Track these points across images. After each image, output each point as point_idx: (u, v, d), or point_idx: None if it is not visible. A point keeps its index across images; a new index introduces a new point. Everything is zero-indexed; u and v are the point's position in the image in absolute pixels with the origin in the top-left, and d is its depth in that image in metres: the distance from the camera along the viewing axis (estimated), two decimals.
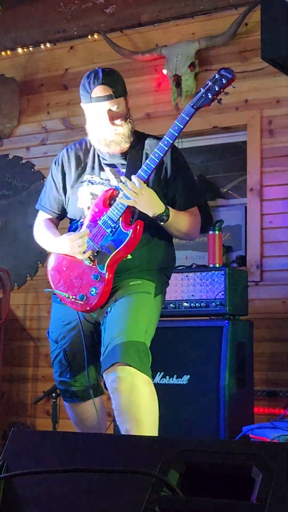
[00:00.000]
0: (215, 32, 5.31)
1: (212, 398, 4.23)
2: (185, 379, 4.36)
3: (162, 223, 3.09)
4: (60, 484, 1.65)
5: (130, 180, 3.05)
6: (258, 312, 4.92)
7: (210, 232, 4.72)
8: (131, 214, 3.11)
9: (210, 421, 4.22)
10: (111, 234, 3.09)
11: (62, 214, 3.39)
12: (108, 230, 3.09)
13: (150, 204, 3.04)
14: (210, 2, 5.34)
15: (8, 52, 6.15)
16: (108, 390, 3.01)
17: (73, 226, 3.31)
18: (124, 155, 3.21)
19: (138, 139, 3.23)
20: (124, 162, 3.20)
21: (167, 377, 4.34)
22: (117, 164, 3.23)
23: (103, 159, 3.24)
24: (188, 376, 4.36)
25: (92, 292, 3.10)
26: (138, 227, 3.05)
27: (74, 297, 3.14)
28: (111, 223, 3.09)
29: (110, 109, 3.12)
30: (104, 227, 3.11)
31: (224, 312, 4.41)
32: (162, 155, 3.02)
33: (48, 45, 6.03)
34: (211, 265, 4.70)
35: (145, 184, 3.04)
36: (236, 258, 5.25)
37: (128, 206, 3.06)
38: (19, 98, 6.12)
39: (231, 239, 5.33)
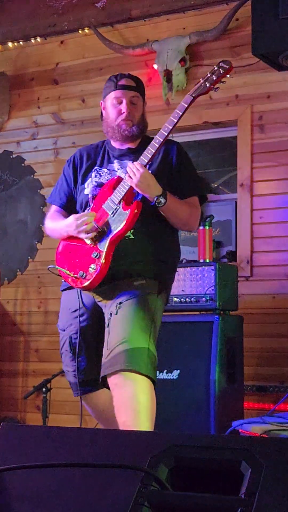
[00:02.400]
0: (206, 27, 5.30)
1: (202, 393, 4.24)
2: (175, 374, 4.37)
3: (160, 206, 3.16)
4: (49, 479, 1.65)
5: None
6: (248, 307, 4.93)
7: (201, 227, 4.73)
8: (132, 197, 3.21)
9: (200, 416, 4.22)
10: (112, 216, 3.18)
11: (72, 207, 3.45)
12: (110, 212, 3.19)
13: (148, 185, 3.14)
14: None
15: None
16: (110, 388, 3.04)
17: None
18: (132, 151, 3.34)
19: (147, 140, 3.33)
20: (132, 155, 3.32)
21: (157, 372, 4.34)
22: (125, 158, 3.34)
23: (112, 153, 3.38)
24: (178, 371, 4.36)
25: (91, 269, 3.18)
26: (136, 207, 3.14)
27: (75, 275, 3.22)
28: (112, 205, 3.19)
29: (130, 100, 3.32)
30: (106, 209, 3.21)
31: (214, 307, 4.42)
32: (161, 140, 3.15)
33: (38, 39, 6.01)
34: (201, 260, 4.71)
35: (146, 168, 3.15)
36: (226, 253, 5.26)
37: (129, 190, 3.17)
38: (10, 92, 6.11)
39: (221, 234, 5.33)
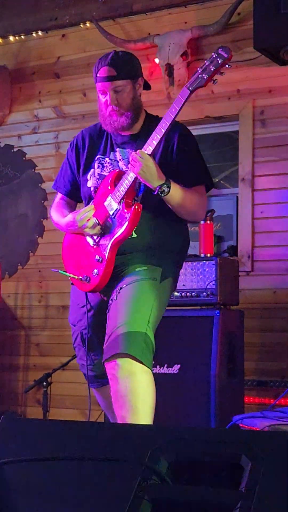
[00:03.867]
0: (207, 21, 5.29)
1: (203, 388, 4.24)
2: (175, 369, 4.37)
3: (163, 195, 3.06)
4: (50, 472, 1.65)
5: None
6: (249, 302, 4.93)
7: (202, 222, 4.72)
8: (133, 195, 3.15)
9: (201, 410, 4.23)
10: (112, 216, 3.14)
11: (76, 193, 3.41)
12: (111, 212, 3.14)
13: (151, 173, 3.04)
14: None
15: (0, 40, 6.13)
16: (108, 377, 3.03)
17: None
18: (134, 137, 3.25)
19: (150, 122, 3.24)
20: (133, 143, 3.23)
21: (158, 366, 4.35)
22: (128, 146, 3.26)
23: (115, 140, 3.29)
24: (179, 365, 4.37)
25: (94, 273, 3.15)
26: (137, 208, 3.07)
27: (80, 277, 3.20)
28: (113, 205, 3.14)
29: (113, 90, 3.16)
30: (107, 208, 3.16)
31: (215, 301, 4.42)
32: (160, 136, 3.04)
33: (40, 33, 6.01)
34: (202, 255, 4.71)
35: (147, 155, 3.05)
36: (227, 248, 5.26)
37: (130, 186, 3.10)
38: (11, 86, 6.10)
39: (222, 229, 5.33)
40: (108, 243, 3.13)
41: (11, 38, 6.09)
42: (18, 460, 1.67)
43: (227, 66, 3.00)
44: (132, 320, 2.98)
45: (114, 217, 3.13)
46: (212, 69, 3.00)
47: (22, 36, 6.07)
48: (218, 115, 5.35)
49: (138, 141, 3.21)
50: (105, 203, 3.17)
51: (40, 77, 6.05)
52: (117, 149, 3.27)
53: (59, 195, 3.49)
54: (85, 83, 5.83)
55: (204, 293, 4.45)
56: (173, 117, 3.03)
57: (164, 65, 5.33)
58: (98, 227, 3.16)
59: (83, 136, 3.37)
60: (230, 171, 5.58)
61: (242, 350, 4.53)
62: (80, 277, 3.19)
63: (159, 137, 3.04)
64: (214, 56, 3.02)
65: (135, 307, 3.02)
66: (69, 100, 5.92)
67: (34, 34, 6.02)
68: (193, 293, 4.49)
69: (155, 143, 3.05)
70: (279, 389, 4.78)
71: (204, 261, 4.51)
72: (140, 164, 3.03)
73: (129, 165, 3.11)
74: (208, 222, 4.77)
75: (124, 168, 3.21)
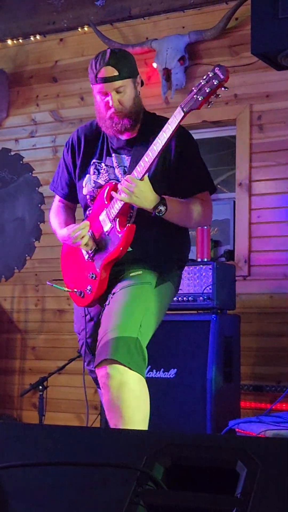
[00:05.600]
0: (205, 26, 5.30)
1: (199, 392, 4.24)
2: (172, 373, 4.37)
3: (161, 215, 2.99)
4: (45, 477, 1.64)
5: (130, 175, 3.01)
6: (246, 306, 4.93)
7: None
8: (128, 212, 3.07)
9: (197, 415, 4.22)
10: (107, 234, 3.07)
11: (74, 195, 3.34)
12: (105, 229, 3.08)
13: (145, 198, 2.96)
14: None
15: None
16: (99, 383, 2.99)
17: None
18: (130, 142, 3.14)
19: (148, 122, 3.15)
20: (130, 148, 3.13)
21: (154, 370, 4.35)
22: (123, 151, 3.17)
23: (111, 144, 3.19)
24: (175, 370, 4.36)
25: (87, 290, 3.11)
26: (130, 227, 3.00)
27: (75, 290, 3.17)
28: (107, 222, 3.07)
29: (115, 91, 3.03)
30: (102, 224, 3.10)
31: (211, 306, 4.42)
32: (153, 157, 2.94)
33: (38, 37, 6.01)
34: (199, 259, 4.71)
35: (138, 180, 2.95)
36: (224, 252, 5.26)
37: (123, 206, 3.02)
38: (8, 90, 6.10)
39: (219, 233, 5.34)
40: (100, 262, 3.07)
41: (9, 41, 6.10)
42: (13, 465, 1.66)
43: (223, 88, 2.82)
44: (122, 325, 2.89)
45: (108, 235, 3.07)
46: (207, 91, 2.83)
47: (20, 40, 6.08)
48: (215, 119, 5.36)
49: (134, 146, 3.12)
50: (100, 218, 3.11)
51: (38, 81, 6.05)
52: (113, 154, 3.17)
53: (57, 198, 3.43)
54: (82, 87, 5.83)
55: (201, 298, 4.45)
56: (167, 137, 2.90)
57: (162, 70, 5.33)
58: (92, 243, 3.10)
59: (79, 137, 3.26)
60: (227, 175, 5.59)
61: (238, 354, 4.53)
62: (75, 290, 3.16)
63: (152, 157, 2.93)
64: (210, 75, 2.83)
65: (127, 311, 2.95)
66: (67, 104, 5.93)
67: (32, 38, 6.03)
68: (189, 298, 4.49)
69: (147, 161, 2.94)
70: (276, 394, 4.78)
71: (201, 266, 4.51)
72: (131, 191, 2.94)
73: (121, 194, 2.99)
74: (205, 226, 4.78)
75: (120, 177, 3.13)
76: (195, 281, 4.49)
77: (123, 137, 3.15)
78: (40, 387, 5.14)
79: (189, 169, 3.12)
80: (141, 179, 2.96)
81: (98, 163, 3.20)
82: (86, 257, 3.14)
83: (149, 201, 2.97)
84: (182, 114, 2.89)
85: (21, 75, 6.11)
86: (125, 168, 3.13)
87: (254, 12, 4.42)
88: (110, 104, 3.04)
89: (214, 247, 5.24)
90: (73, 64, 5.92)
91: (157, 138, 2.94)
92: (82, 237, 3.08)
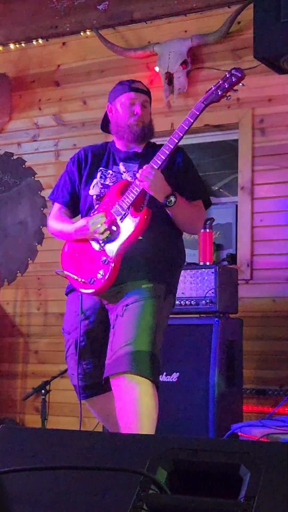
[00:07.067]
0: (207, 30, 5.30)
1: (201, 396, 4.23)
2: (174, 377, 4.36)
3: (170, 206, 3.20)
4: (48, 482, 1.64)
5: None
6: (248, 310, 4.93)
7: (201, 230, 4.72)
8: (141, 203, 3.24)
9: (199, 419, 4.22)
10: (120, 221, 3.21)
11: (75, 205, 3.46)
12: (119, 217, 3.22)
13: (159, 186, 3.19)
14: (203, 0, 5.34)
15: (0, 48, 6.14)
16: (112, 390, 3.05)
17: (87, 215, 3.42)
18: (138, 155, 3.39)
19: (151, 146, 3.44)
20: (137, 159, 3.36)
21: None
22: (131, 161, 3.38)
23: (118, 155, 3.41)
24: (178, 373, 4.36)
25: (99, 275, 3.20)
26: (146, 214, 3.19)
27: (83, 279, 3.24)
28: (121, 211, 3.22)
29: (142, 104, 3.39)
30: (115, 214, 3.23)
31: (214, 310, 4.42)
32: (172, 147, 3.22)
33: (40, 41, 6.02)
34: (201, 263, 4.71)
35: (156, 169, 3.20)
36: (226, 256, 5.26)
37: (138, 195, 3.21)
38: (11, 93, 6.11)
39: (221, 237, 5.33)
40: (115, 245, 3.19)
41: (12, 46, 6.11)
42: (16, 469, 1.66)
43: (240, 84, 3.22)
44: (139, 339, 3.04)
45: (121, 222, 3.21)
46: (226, 86, 3.22)
47: (23, 44, 6.08)
48: (218, 123, 5.36)
49: (141, 158, 3.35)
50: (112, 210, 3.24)
51: (40, 85, 6.06)
52: (120, 163, 3.37)
53: (56, 206, 3.52)
54: (85, 91, 5.84)
55: (203, 301, 4.45)
56: (186, 128, 3.21)
57: (164, 74, 5.34)
58: (107, 232, 3.22)
59: (86, 152, 3.48)
60: (230, 179, 5.59)
61: (241, 358, 4.53)
62: (83, 279, 3.23)
63: (172, 147, 3.20)
64: (227, 75, 3.23)
65: (142, 326, 3.08)
66: (69, 108, 5.93)
67: (34, 42, 6.03)
68: (192, 301, 4.48)
69: (163, 157, 3.21)
70: (278, 398, 4.77)
71: (204, 269, 4.51)
72: (150, 178, 3.16)
73: (136, 180, 3.22)
74: (208, 230, 4.78)
75: (129, 179, 3.30)
76: (197, 284, 4.49)
77: (132, 150, 3.40)
78: (43, 391, 5.15)
79: (191, 181, 3.42)
80: (158, 168, 3.22)
81: (105, 170, 3.38)
82: (97, 247, 3.25)
83: (163, 189, 3.20)
84: (203, 106, 3.23)
85: (23, 79, 6.12)
86: (135, 172, 3.30)
87: (256, 16, 4.42)
88: (137, 110, 3.36)
89: (217, 251, 5.24)
90: (76, 68, 5.92)
91: (176, 130, 3.23)
92: (100, 224, 3.21)
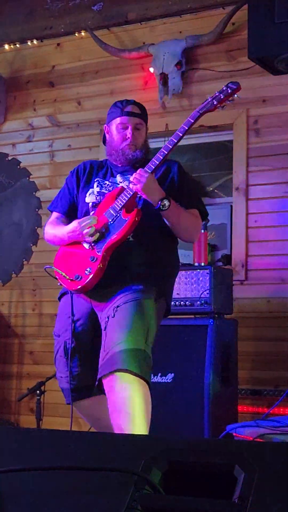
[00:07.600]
0: (202, 31, 5.31)
1: (196, 397, 4.24)
2: (169, 378, 4.36)
3: (164, 210, 3.23)
4: (42, 482, 1.64)
5: None
6: (243, 311, 4.93)
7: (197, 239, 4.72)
8: (133, 206, 3.29)
9: (194, 419, 4.22)
10: (112, 222, 3.27)
11: (73, 214, 3.51)
12: (110, 219, 3.28)
13: (153, 189, 3.24)
14: (198, 1, 5.35)
15: None
16: (105, 391, 3.04)
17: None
18: (135, 168, 3.41)
19: (147, 160, 3.44)
20: (134, 171, 3.37)
21: (152, 375, 4.34)
22: (128, 173, 3.42)
23: (116, 169, 3.47)
24: (173, 374, 4.36)
25: (86, 272, 3.25)
26: (136, 214, 3.23)
27: (71, 278, 3.28)
28: (113, 213, 3.29)
29: (135, 127, 3.43)
30: (107, 217, 3.30)
31: (209, 310, 4.42)
32: (166, 153, 3.27)
33: (35, 41, 6.02)
34: (196, 264, 4.71)
35: (149, 173, 3.25)
36: (221, 257, 5.26)
37: (131, 198, 3.26)
38: (6, 94, 6.11)
39: (216, 238, 5.34)
40: (104, 243, 3.25)
41: (6, 46, 6.10)
42: (10, 470, 1.66)
43: (235, 96, 3.31)
44: (130, 338, 3.04)
45: (113, 223, 3.26)
46: (221, 97, 3.31)
47: (17, 45, 6.08)
48: (212, 124, 5.36)
49: (138, 169, 3.34)
50: (105, 213, 3.31)
51: (35, 85, 6.05)
52: (117, 175, 3.44)
53: (54, 215, 3.59)
54: (79, 92, 5.84)
55: (198, 302, 4.45)
56: (180, 135, 3.29)
57: (159, 75, 5.34)
58: (97, 234, 3.27)
59: (85, 165, 3.56)
60: (224, 180, 5.59)
61: (236, 359, 4.53)
62: (71, 278, 3.27)
63: (166, 153, 3.26)
64: (224, 88, 3.32)
65: (133, 325, 3.09)
66: (64, 109, 5.93)
67: (29, 43, 6.03)
68: (187, 302, 4.49)
69: (156, 162, 3.26)
70: (273, 398, 4.78)
71: (198, 270, 4.51)
72: (143, 180, 3.20)
73: (130, 184, 3.27)
74: (202, 231, 4.78)
75: (125, 186, 3.35)
76: (192, 285, 4.49)
77: (129, 166, 3.44)
78: (38, 391, 5.14)
79: (187, 190, 3.46)
80: (151, 172, 3.27)
81: (102, 180, 3.46)
82: (87, 246, 3.30)
83: (156, 193, 3.24)
84: (198, 114, 3.34)
85: (18, 80, 6.12)
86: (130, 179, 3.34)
87: (251, 17, 4.44)
88: (128, 135, 3.41)
89: (211, 252, 5.24)
90: (70, 69, 5.93)
91: (170, 138, 3.29)
92: (89, 227, 3.26)
